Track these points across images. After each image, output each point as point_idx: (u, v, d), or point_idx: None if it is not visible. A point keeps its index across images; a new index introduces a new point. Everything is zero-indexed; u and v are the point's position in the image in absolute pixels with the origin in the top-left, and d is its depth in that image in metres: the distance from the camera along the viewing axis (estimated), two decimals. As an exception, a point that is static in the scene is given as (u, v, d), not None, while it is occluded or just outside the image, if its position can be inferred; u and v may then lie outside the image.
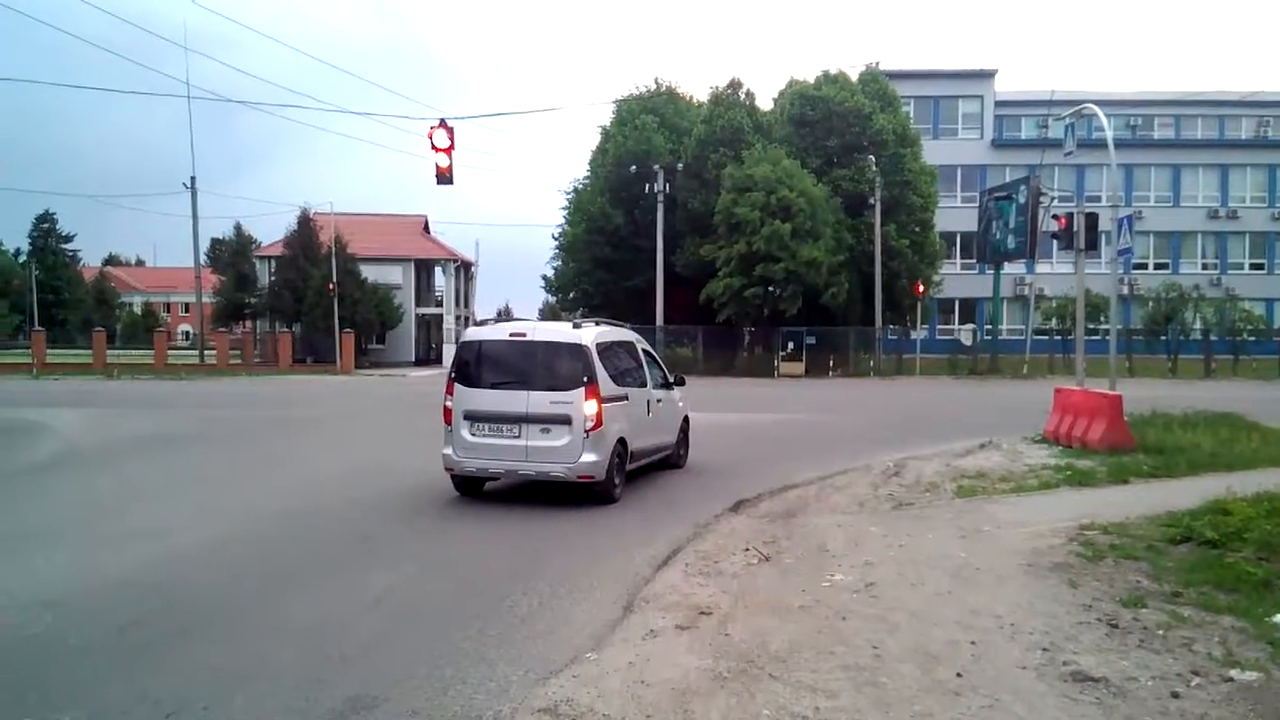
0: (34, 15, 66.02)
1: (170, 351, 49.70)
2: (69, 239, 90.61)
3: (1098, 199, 48.39)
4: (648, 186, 41.75)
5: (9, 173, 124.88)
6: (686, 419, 13.58)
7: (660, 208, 41.36)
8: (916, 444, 15.54)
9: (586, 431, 9.93)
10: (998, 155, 57.77)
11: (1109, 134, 16.38)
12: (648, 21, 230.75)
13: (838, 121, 42.07)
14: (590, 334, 10.54)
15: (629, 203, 43.77)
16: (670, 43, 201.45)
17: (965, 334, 51.52)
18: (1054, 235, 17.88)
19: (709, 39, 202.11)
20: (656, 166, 41.57)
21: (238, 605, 6.51)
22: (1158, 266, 56.90)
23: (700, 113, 45.06)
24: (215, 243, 68.51)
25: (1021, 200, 39.74)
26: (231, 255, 55.06)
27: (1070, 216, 16.26)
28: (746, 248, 37.20)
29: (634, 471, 11.43)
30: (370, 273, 49.99)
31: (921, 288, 43.06)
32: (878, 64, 46.46)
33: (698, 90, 60.79)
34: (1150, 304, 45.99)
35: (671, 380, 13.06)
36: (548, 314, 58.03)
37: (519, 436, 10.09)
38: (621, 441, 10.63)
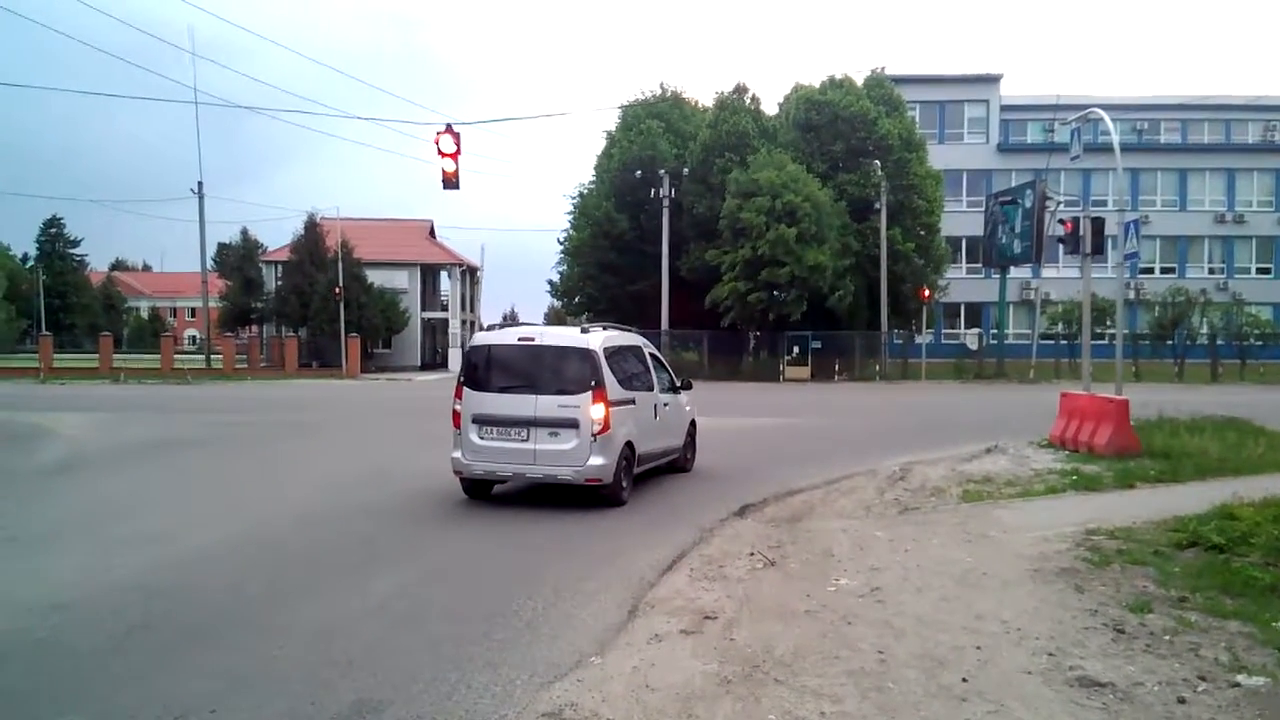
0: (42, 22, 65.73)
1: (177, 356, 49.80)
2: (76, 244, 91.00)
3: (1104, 203, 48.45)
4: (653, 191, 41.77)
5: (17, 178, 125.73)
6: (693, 423, 13.63)
7: (665, 212, 41.37)
8: (922, 449, 15.51)
9: (594, 435, 9.99)
10: (1003, 160, 57.70)
11: (1115, 138, 16.37)
12: (653, 27, 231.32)
13: (843, 126, 42.06)
14: (598, 338, 10.60)
15: (634, 207, 43.82)
16: (676, 48, 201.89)
17: (971, 338, 51.38)
18: (1060, 239, 17.85)
19: (714, 45, 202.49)
20: (662, 171, 41.59)
21: (244, 609, 6.52)
22: (1164, 271, 56.67)
23: (705, 118, 45.09)
24: (222, 248, 68.65)
25: (1027, 205, 39.64)
26: (238, 260, 55.23)
27: (1076, 221, 16.21)
28: (752, 252, 37.18)
29: (641, 475, 11.47)
30: (376, 277, 50.08)
31: (927, 293, 43.01)
32: (883, 69, 46.49)
33: (703, 95, 61.03)
34: (1157, 308, 45.79)
35: (678, 384, 13.12)
36: (553, 318, 58.15)
37: (527, 440, 10.17)
38: (629, 445, 10.67)
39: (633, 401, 10.96)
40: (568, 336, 10.77)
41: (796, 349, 41.45)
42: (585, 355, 10.27)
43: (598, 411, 10.02)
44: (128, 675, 5.19)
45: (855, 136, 42.00)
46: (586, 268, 45.82)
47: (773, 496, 11.27)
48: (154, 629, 6.02)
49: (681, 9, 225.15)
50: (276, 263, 52.29)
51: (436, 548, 8.63)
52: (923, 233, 43.48)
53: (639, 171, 42.37)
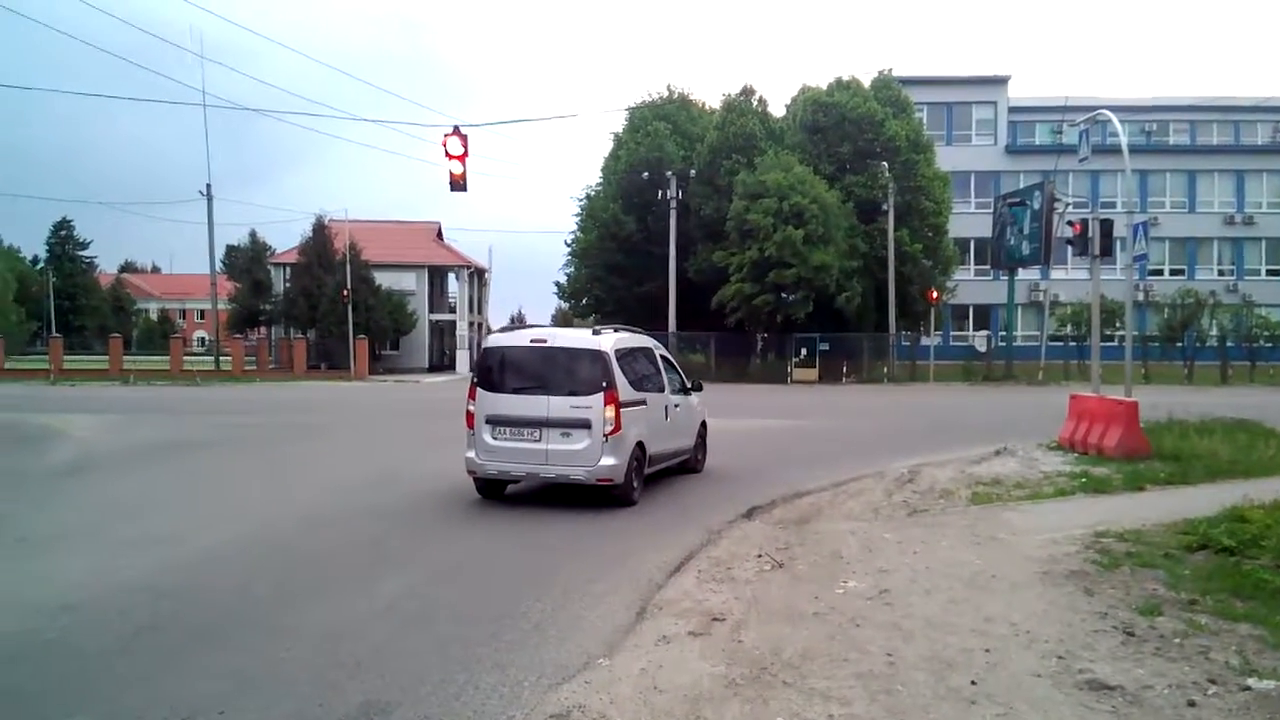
0: (51, 25, 66.25)
1: (186, 357, 50.02)
2: (85, 246, 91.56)
3: (1113, 205, 48.23)
4: (660, 193, 41.78)
5: (26, 180, 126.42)
6: (704, 424, 13.73)
7: (673, 214, 41.39)
8: (930, 450, 15.47)
9: (606, 435, 10.10)
10: (1012, 161, 57.55)
11: (1124, 140, 16.31)
12: (660, 30, 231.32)
13: (850, 128, 42.01)
14: (610, 340, 10.71)
15: (641, 209, 43.84)
16: (683, 51, 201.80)
17: (980, 340, 51.23)
18: (1069, 241, 17.77)
19: (721, 47, 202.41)
20: (669, 173, 41.59)
21: (252, 610, 6.54)
22: (1173, 273, 56.48)
23: (713, 119, 45.12)
24: (231, 249, 69.07)
25: (1036, 206, 39.53)
26: (247, 262, 55.47)
27: (1085, 222, 16.16)
28: (759, 254, 37.16)
29: (652, 475, 11.55)
30: (384, 279, 50.18)
31: (935, 294, 42.91)
32: (890, 70, 46.43)
33: (710, 97, 61.11)
34: (1166, 310, 45.61)
35: (689, 386, 13.22)
36: (560, 320, 58.19)
37: (540, 440, 10.29)
38: (640, 445, 10.78)
39: (644, 403, 11.05)
40: (580, 338, 10.90)
41: (804, 351, 41.40)
42: (597, 357, 10.38)
43: (609, 412, 10.13)
44: (135, 676, 5.20)
45: (863, 138, 41.95)
46: (594, 269, 45.89)
47: (781, 498, 11.26)
48: (162, 630, 6.03)
49: (689, 11, 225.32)
50: (285, 265, 52.44)
51: (443, 549, 8.64)
52: (930, 234, 43.42)
53: (646, 173, 42.39)
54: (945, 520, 9.74)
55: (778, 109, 46.74)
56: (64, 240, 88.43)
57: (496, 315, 69.76)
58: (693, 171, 42.17)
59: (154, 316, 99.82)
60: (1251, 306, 47.86)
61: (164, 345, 55.42)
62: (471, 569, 7.93)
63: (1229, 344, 44.75)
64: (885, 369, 42.64)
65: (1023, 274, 45.79)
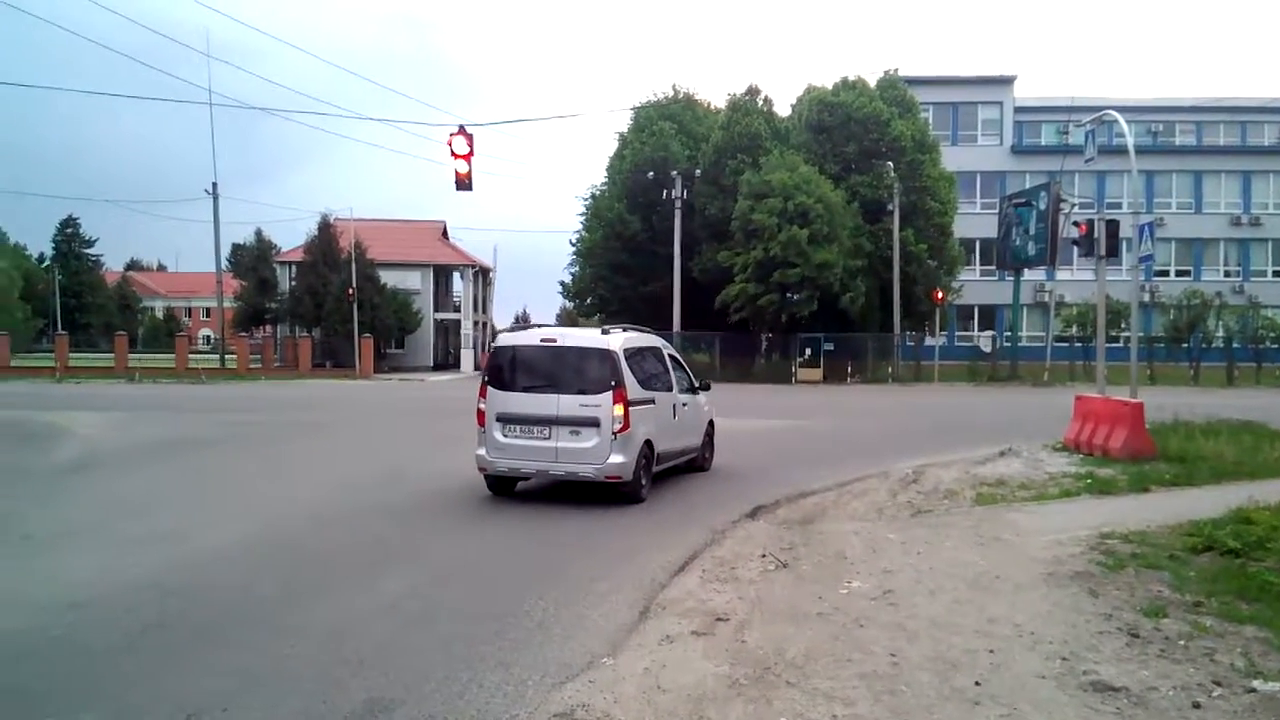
0: (57, 23, 66.41)
1: (191, 356, 50.08)
2: (91, 244, 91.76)
3: (1119, 205, 48.06)
4: (665, 193, 41.75)
5: (32, 179, 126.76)
6: (712, 423, 13.82)
7: (678, 214, 41.37)
8: (935, 451, 15.45)
9: (614, 433, 10.22)
10: (1017, 161, 57.41)
11: (1130, 140, 16.27)
12: (666, 29, 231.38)
13: (856, 128, 41.94)
14: (618, 340, 10.83)
15: (646, 209, 43.81)
16: (688, 50, 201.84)
17: (985, 340, 51.17)
18: (1075, 242, 17.77)
19: (727, 46, 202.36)
20: (674, 173, 41.58)
21: (257, 608, 6.56)
22: (1179, 274, 56.28)
23: (718, 119, 45.02)
24: (236, 248, 69.07)
25: (1042, 206, 39.44)
26: (252, 260, 55.52)
27: (1091, 223, 16.12)
28: (764, 254, 37.11)
29: (660, 473, 11.64)
30: (389, 278, 50.26)
31: (940, 295, 42.83)
32: (896, 70, 46.30)
33: (715, 97, 61.10)
34: (1172, 311, 45.49)
35: (697, 385, 13.32)
36: (565, 319, 58.20)
37: (549, 438, 10.40)
38: (648, 443, 10.89)
39: (652, 401, 11.16)
40: (589, 338, 11.01)
41: (809, 351, 41.35)
42: (606, 356, 10.50)
43: (618, 411, 10.24)
44: (141, 673, 5.22)
45: (868, 138, 41.89)
46: (598, 269, 45.89)
47: (785, 498, 11.26)
48: (167, 628, 6.06)
49: (694, 10, 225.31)
50: (290, 263, 52.53)
51: (447, 547, 8.65)
52: (936, 234, 43.29)
53: (651, 173, 42.36)
54: (950, 521, 9.73)
55: (783, 109, 46.75)
56: (70, 238, 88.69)
57: (501, 315, 69.88)
58: (698, 171, 42.12)
59: (159, 315, 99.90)
60: (1258, 307, 47.73)
61: (169, 343, 55.46)
62: (475, 567, 7.94)
63: (1235, 345, 44.61)
64: (890, 369, 42.58)
65: (1028, 274, 45.66)
